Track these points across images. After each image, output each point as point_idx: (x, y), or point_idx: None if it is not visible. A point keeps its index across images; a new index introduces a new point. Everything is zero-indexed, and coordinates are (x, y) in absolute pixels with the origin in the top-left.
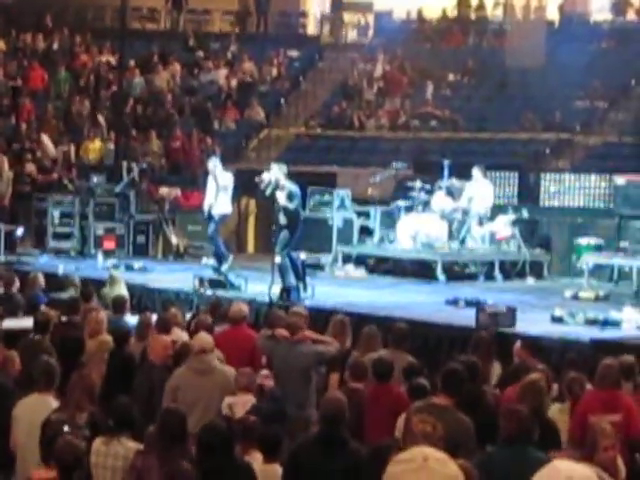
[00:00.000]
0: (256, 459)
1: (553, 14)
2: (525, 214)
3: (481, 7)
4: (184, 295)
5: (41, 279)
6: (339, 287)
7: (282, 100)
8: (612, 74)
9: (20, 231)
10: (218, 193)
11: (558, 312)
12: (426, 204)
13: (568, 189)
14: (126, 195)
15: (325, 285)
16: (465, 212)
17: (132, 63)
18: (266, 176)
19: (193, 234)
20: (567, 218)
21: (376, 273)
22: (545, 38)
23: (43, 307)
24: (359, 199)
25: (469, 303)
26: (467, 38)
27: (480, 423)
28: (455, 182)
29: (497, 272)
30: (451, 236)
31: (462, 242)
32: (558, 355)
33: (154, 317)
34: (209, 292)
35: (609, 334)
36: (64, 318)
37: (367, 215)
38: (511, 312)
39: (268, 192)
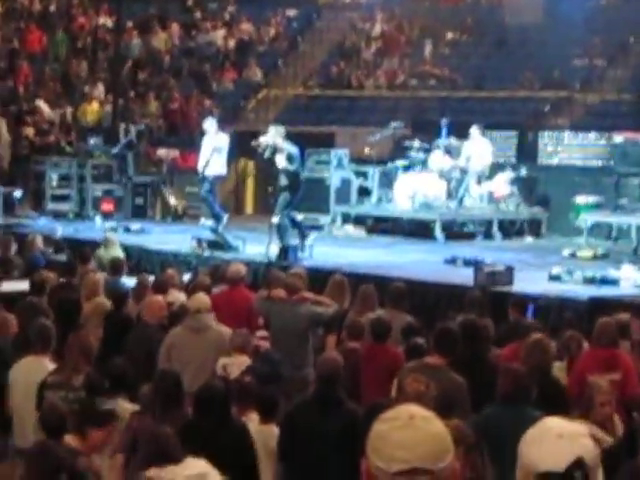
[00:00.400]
0: (252, 420)
1: None
2: (523, 172)
3: None
4: (182, 256)
5: (39, 241)
6: (337, 247)
7: (280, 60)
8: (611, 31)
9: (18, 193)
10: (212, 154)
11: (556, 271)
12: (424, 163)
13: (567, 147)
14: (124, 157)
15: (323, 245)
16: (463, 171)
17: (130, 24)
18: (263, 139)
19: (191, 195)
20: (566, 176)
21: (374, 233)
22: None
23: (41, 269)
24: (357, 159)
25: (467, 262)
26: None
27: (479, 382)
28: (453, 141)
29: (495, 231)
30: (449, 195)
31: (460, 201)
32: (556, 314)
33: (152, 279)
34: (207, 253)
35: (607, 292)
36: (61, 280)
37: (365, 175)
38: (509, 271)
39: (266, 155)
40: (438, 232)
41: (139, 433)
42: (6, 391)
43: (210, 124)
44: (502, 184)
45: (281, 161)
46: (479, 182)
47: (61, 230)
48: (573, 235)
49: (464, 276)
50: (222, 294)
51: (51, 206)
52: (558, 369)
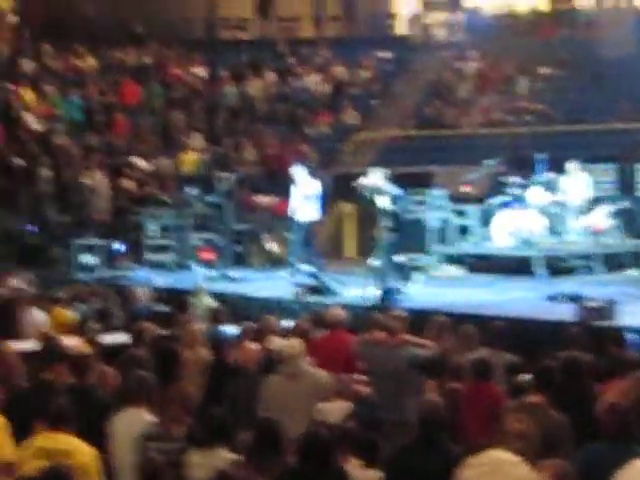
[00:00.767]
0: (353, 465)
1: None
2: (624, 205)
3: None
4: (283, 303)
5: (140, 293)
6: (438, 288)
7: (375, 102)
8: None
9: (120, 246)
10: (304, 201)
11: None
12: (522, 200)
13: None
14: (223, 205)
15: (424, 286)
16: (562, 206)
17: (223, 73)
18: (365, 180)
19: (291, 242)
20: None
21: (475, 272)
22: (637, 26)
23: (140, 321)
24: (456, 198)
25: (569, 298)
26: (558, 30)
27: (582, 420)
28: (551, 176)
29: (598, 265)
30: (549, 231)
31: (561, 236)
32: None
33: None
34: (308, 298)
35: None
36: (162, 331)
37: (464, 214)
38: (611, 305)
39: (368, 196)
40: (539, 268)
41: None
42: (106, 444)
43: (297, 171)
44: (602, 217)
45: (383, 202)
46: (579, 216)
47: (160, 281)
48: None
49: (566, 312)
50: (322, 339)
51: (151, 257)
52: None
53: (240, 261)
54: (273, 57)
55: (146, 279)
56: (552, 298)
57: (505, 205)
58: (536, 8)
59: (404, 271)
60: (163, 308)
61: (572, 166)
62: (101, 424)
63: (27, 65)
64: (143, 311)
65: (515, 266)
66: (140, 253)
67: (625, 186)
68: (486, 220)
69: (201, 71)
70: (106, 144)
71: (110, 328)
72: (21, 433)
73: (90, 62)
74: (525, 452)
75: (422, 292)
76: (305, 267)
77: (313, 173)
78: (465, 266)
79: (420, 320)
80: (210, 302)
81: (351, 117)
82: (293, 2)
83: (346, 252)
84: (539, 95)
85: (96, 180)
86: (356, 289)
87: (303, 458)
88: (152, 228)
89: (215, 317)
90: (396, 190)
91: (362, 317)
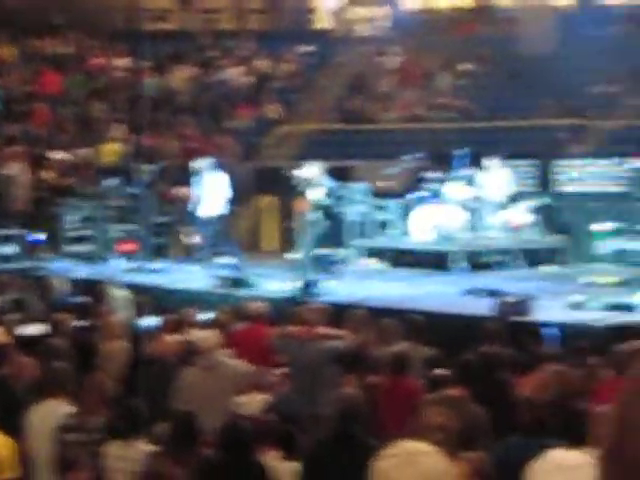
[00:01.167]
0: (273, 457)
1: None
2: (543, 201)
3: None
4: (203, 295)
5: (58, 284)
6: (358, 281)
7: (297, 96)
8: (625, 57)
9: (39, 236)
10: (210, 194)
11: (576, 298)
12: (442, 195)
13: (585, 174)
14: (143, 197)
15: (343, 280)
16: (482, 201)
17: (146, 64)
18: (300, 172)
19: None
20: (585, 203)
21: (394, 266)
22: (560, 23)
23: (58, 312)
24: (376, 192)
25: (486, 292)
26: (479, 27)
27: (500, 413)
28: (471, 172)
29: (516, 260)
30: (468, 226)
31: (480, 231)
32: (576, 342)
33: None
34: (227, 291)
35: (628, 319)
36: (79, 322)
37: (384, 208)
38: (529, 300)
39: (301, 188)
40: (458, 263)
41: (151, 474)
42: (23, 435)
43: (201, 165)
44: (521, 213)
45: (315, 194)
46: (498, 212)
47: (79, 272)
48: (593, 262)
49: (484, 307)
50: (242, 331)
51: (70, 248)
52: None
53: (159, 253)
54: (195, 49)
55: (65, 270)
56: (470, 293)
57: (424, 200)
58: (457, 5)
59: (325, 264)
60: (81, 299)
61: (491, 162)
62: (18, 415)
63: None
64: (61, 302)
65: (434, 261)
66: (59, 244)
67: (544, 182)
68: (406, 215)
69: (123, 62)
70: (26, 134)
71: (28, 319)
72: None
73: (10, 51)
74: (444, 444)
75: (341, 286)
76: (224, 260)
77: (220, 166)
78: (384, 260)
79: (339, 313)
80: (125, 293)
81: (273, 110)
82: None
83: (265, 245)
84: (459, 91)
85: (15, 170)
86: (276, 282)
87: (222, 450)
88: (72, 219)
89: (135, 309)
90: (329, 183)
91: (282, 310)
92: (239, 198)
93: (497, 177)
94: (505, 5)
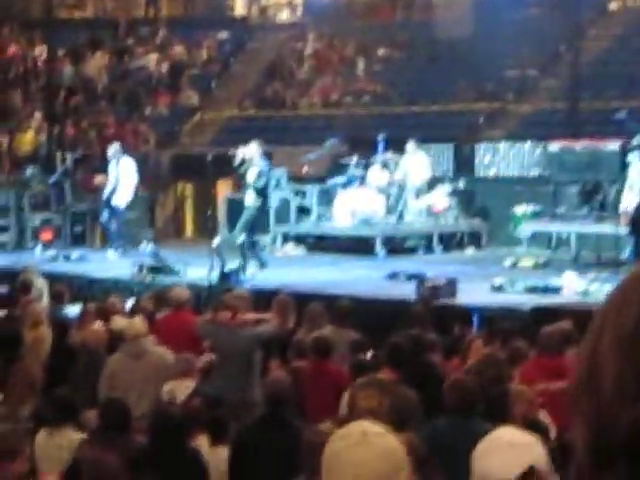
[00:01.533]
0: (202, 443)
1: None
2: (461, 185)
3: None
4: (124, 283)
5: None
6: (279, 267)
7: (214, 83)
8: (541, 41)
9: None
10: (119, 181)
11: (498, 281)
12: (362, 180)
13: (503, 158)
14: (61, 185)
15: (268, 266)
16: (401, 186)
17: (61, 52)
18: (241, 152)
19: (130, 221)
20: (503, 187)
21: (315, 251)
22: (473, 7)
23: None
24: (295, 178)
25: (409, 277)
26: (395, 12)
27: (428, 396)
28: (390, 156)
29: (436, 244)
30: (388, 210)
31: (400, 216)
32: (500, 324)
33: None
34: (149, 279)
35: (549, 300)
36: (1, 312)
37: (304, 194)
38: (451, 284)
39: (241, 170)
40: (379, 248)
41: (83, 462)
42: None
43: (113, 151)
44: (440, 197)
45: (251, 176)
46: (417, 196)
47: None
48: (513, 245)
49: (407, 291)
50: (166, 318)
51: None
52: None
53: (79, 241)
54: (112, 37)
55: None
56: (392, 277)
57: (345, 185)
58: None
59: (255, 250)
60: (1, 289)
61: (410, 146)
62: None
63: None
64: None
65: (355, 246)
66: None
67: (462, 167)
68: (326, 200)
69: (39, 50)
70: None
71: None
72: None
73: None
74: None
75: (264, 272)
76: (144, 247)
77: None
78: (305, 246)
79: (262, 299)
80: (41, 282)
81: (190, 97)
82: None
83: (186, 232)
84: (377, 76)
85: None
86: (197, 269)
87: (154, 437)
88: None
89: (56, 297)
90: (264, 165)
91: (204, 297)
92: (158, 185)
93: (415, 161)
94: None
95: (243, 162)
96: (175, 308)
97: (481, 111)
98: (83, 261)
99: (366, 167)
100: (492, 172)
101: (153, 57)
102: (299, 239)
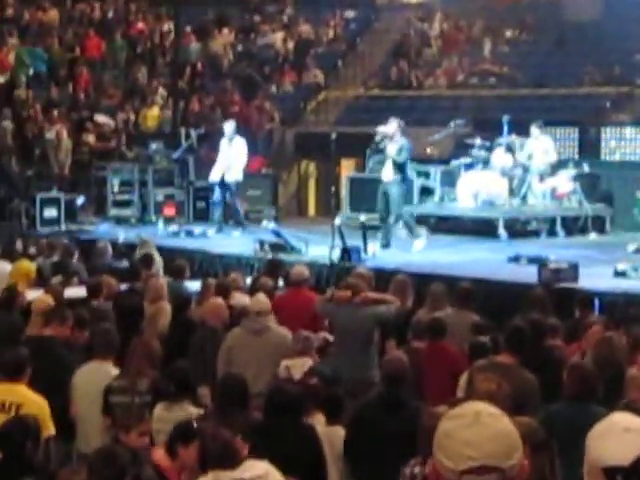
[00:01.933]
0: (318, 421)
1: None
2: (586, 169)
3: None
4: (245, 259)
5: (103, 247)
6: (400, 247)
7: (339, 62)
8: None
9: (81, 200)
10: (232, 159)
11: (621, 266)
12: (486, 162)
13: (629, 142)
14: (185, 161)
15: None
16: (525, 169)
17: (188, 29)
18: (383, 129)
19: (253, 198)
20: (629, 171)
21: (437, 232)
22: None
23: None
24: (419, 159)
25: (531, 260)
26: None
27: (547, 380)
28: (515, 139)
29: (559, 228)
30: (512, 193)
31: (523, 199)
32: (621, 310)
33: (215, 282)
34: (270, 256)
35: None
36: (124, 285)
37: (427, 174)
38: (573, 268)
39: (382, 145)
40: (501, 230)
41: (200, 437)
42: (69, 396)
43: (230, 128)
44: (564, 181)
45: (391, 151)
46: (541, 179)
47: (123, 236)
48: (637, 230)
49: (528, 274)
50: (286, 296)
51: (113, 212)
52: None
53: (201, 217)
54: (239, 14)
55: (108, 233)
56: (514, 260)
57: (469, 167)
58: None
59: (365, 231)
60: (125, 263)
61: (535, 129)
62: (65, 376)
63: None
64: (105, 265)
65: (477, 227)
66: (103, 208)
67: (587, 150)
68: (449, 181)
69: (165, 26)
70: (69, 98)
71: (71, 282)
72: None
73: (53, 14)
74: None
75: (384, 251)
76: (270, 224)
77: (243, 132)
78: (427, 226)
79: (383, 279)
80: (156, 255)
81: (315, 76)
82: None
83: (309, 210)
84: (503, 58)
85: (58, 134)
86: (319, 247)
87: (270, 414)
88: (114, 183)
89: (177, 272)
90: (405, 142)
91: (325, 275)
92: (282, 163)
93: (540, 144)
94: None
95: (383, 139)
96: (295, 286)
97: (608, 95)
98: (205, 237)
99: (490, 149)
100: (617, 156)
101: (279, 35)
102: (421, 220)
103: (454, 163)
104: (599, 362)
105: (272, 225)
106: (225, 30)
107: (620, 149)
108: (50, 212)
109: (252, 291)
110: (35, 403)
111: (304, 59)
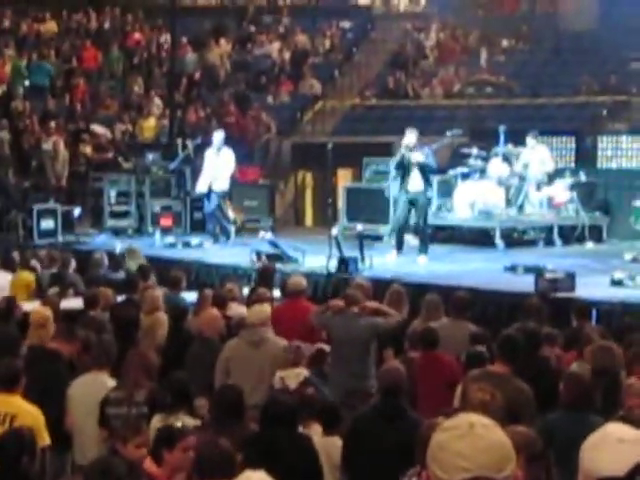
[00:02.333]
0: (315, 431)
1: None
2: (583, 178)
3: None
4: (242, 270)
5: (100, 258)
6: (398, 257)
7: (336, 72)
8: None
9: (77, 211)
10: (218, 170)
11: (618, 275)
12: (483, 171)
13: (625, 151)
14: (182, 172)
15: (383, 255)
16: (522, 178)
17: (184, 40)
18: (407, 140)
19: (250, 209)
20: (625, 180)
21: (434, 242)
22: (596, 0)
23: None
24: None
25: (528, 269)
26: (520, 4)
27: (541, 390)
28: (511, 148)
29: (556, 237)
30: (508, 202)
31: (520, 208)
32: (618, 319)
33: (211, 293)
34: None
35: None
36: (121, 296)
37: None
38: (570, 277)
39: (407, 157)
40: (498, 240)
41: (196, 448)
42: (65, 407)
43: (219, 137)
44: (561, 190)
45: (418, 157)
46: (538, 188)
47: (120, 247)
48: (634, 239)
49: (525, 283)
50: (283, 306)
51: (110, 223)
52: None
53: (198, 228)
54: (235, 25)
55: (105, 244)
56: (511, 269)
57: (465, 176)
58: None
59: (362, 241)
60: (122, 274)
61: (531, 139)
62: (61, 387)
63: None
64: (102, 277)
65: (474, 237)
66: (100, 219)
67: (584, 159)
68: (446, 191)
69: (162, 37)
70: (65, 109)
71: (67, 293)
72: None
73: (50, 26)
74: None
75: (381, 261)
76: (267, 235)
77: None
78: None
79: (379, 289)
80: (143, 262)
81: (312, 86)
82: None
83: (306, 221)
84: (500, 67)
85: (55, 145)
86: (316, 257)
87: (266, 425)
88: (111, 194)
89: (173, 283)
90: (426, 147)
91: (322, 285)
92: (279, 174)
93: (536, 155)
94: None
95: (411, 149)
96: (292, 296)
97: (604, 104)
98: (202, 247)
99: (486, 159)
100: (614, 165)
101: (276, 45)
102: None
103: (451, 173)
104: (597, 370)
105: (269, 235)
106: (222, 41)
107: (617, 158)
108: (47, 223)
109: (249, 302)
110: (29, 414)
111: (301, 69)
